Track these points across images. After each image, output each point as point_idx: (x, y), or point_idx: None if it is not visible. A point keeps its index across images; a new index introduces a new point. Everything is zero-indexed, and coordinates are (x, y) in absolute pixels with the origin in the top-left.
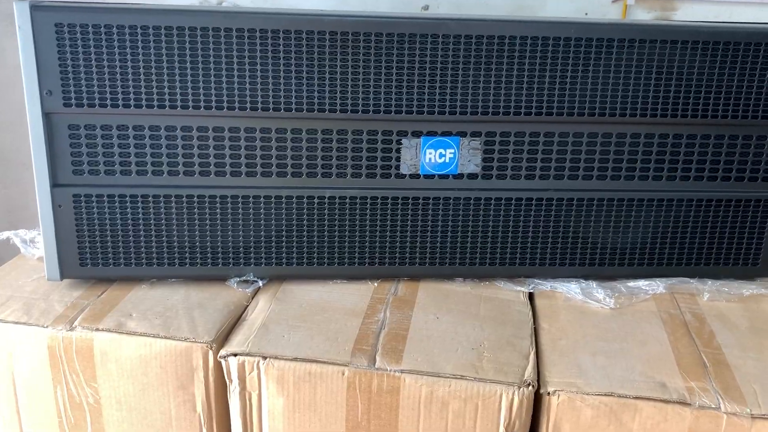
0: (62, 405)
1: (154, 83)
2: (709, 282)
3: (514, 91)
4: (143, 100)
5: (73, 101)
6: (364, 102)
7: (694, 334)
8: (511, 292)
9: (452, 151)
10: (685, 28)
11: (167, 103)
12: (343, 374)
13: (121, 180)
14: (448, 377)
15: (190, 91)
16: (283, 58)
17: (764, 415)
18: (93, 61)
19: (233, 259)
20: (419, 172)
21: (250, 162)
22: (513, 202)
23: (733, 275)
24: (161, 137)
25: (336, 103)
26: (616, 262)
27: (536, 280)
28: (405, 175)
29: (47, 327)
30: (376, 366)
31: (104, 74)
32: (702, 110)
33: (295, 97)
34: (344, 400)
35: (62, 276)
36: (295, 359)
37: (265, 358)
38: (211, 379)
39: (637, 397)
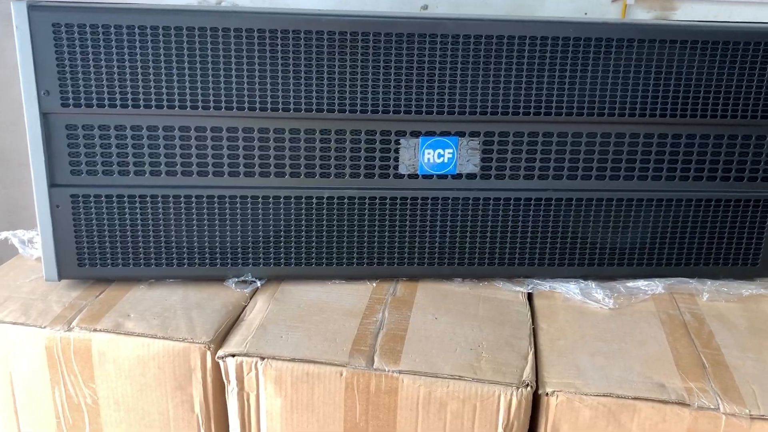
0: (60, 406)
1: (152, 83)
2: (709, 282)
3: (513, 91)
4: (141, 101)
5: (70, 101)
6: (362, 102)
7: (693, 334)
8: (509, 293)
9: (451, 151)
10: (685, 27)
11: (165, 103)
12: (341, 375)
13: (119, 180)
14: (447, 378)
15: (188, 91)
16: (282, 58)
17: (763, 415)
18: (91, 61)
19: (231, 259)
20: (418, 172)
21: (248, 162)
22: (512, 202)
23: (733, 275)
24: (159, 137)
25: (334, 103)
26: (615, 262)
27: (535, 281)
28: (403, 175)
29: (45, 327)
30: (374, 366)
31: (102, 74)
32: (701, 110)
33: (293, 97)
34: (342, 401)
35: (60, 276)
36: (293, 360)
37: (263, 358)
38: (209, 379)
39: (635, 398)
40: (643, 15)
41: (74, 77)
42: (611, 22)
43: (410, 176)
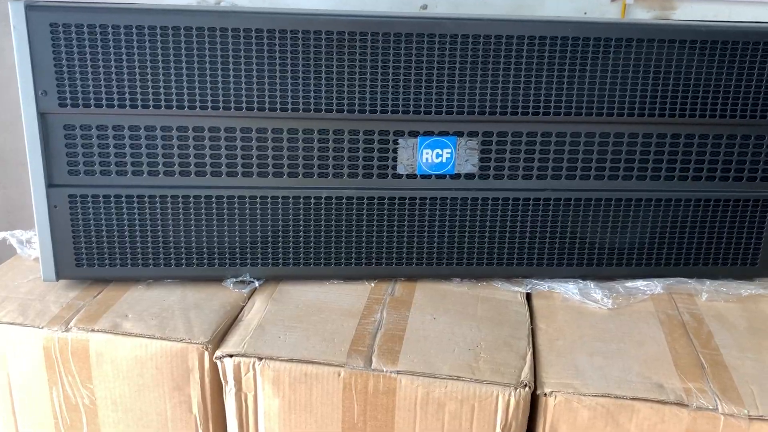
0: (58, 406)
1: (149, 83)
2: (708, 282)
3: (512, 90)
4: (139, 101)
5: (68, 101)
6: (360, 102)
7: (692, 334)
8: (508, 293)
9: (449, 151)
10: (684, 27)
11: (163, 103)
12: (339, 375)
13: (116, 180)
14: (445, 378)
15: (185, 91)
16: (280, 57)
17: (762, 416)
18: (88, 61)
19: (230, 259)
20: (416, 172)
21: (246, 162)
22: (510, 202)
23: (732, 275)
24: (157, 137)
25: (332, 102)
26: (614, 262)
27: (534, 281)
28: (402, 175)
29: (43, 328)
30: (372, 367)
31: (99, 74)
32: (700, 110)
33: (291, 97)
34: (340, 401)
35: (58, 277)
36: (291, 360)
37: (261, 359)
38: (206, 380)
39: (634, 398)
40: (642, 14)
41: (72, 77)
42: (610, 21)
43: (408, 176)
